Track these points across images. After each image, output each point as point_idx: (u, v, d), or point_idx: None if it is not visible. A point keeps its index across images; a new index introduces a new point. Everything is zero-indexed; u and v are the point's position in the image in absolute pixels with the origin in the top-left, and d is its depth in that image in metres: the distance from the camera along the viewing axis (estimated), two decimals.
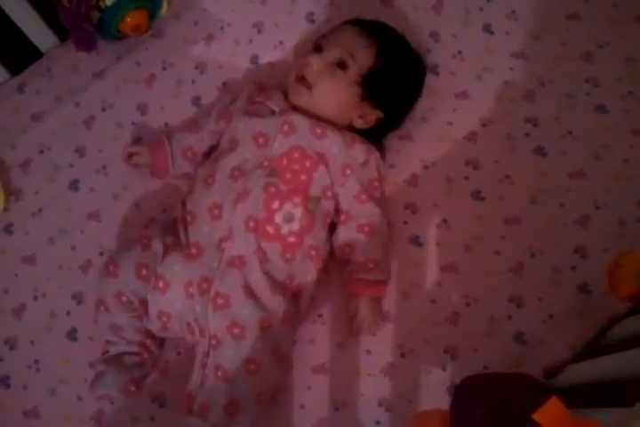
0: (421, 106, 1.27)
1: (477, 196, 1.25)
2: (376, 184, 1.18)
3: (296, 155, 1.13)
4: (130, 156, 1.22)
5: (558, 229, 1.19)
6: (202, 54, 1.40)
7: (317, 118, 1.15)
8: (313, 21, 1.42)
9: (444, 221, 1.24)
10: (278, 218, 1.12)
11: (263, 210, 1.08)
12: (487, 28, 1.41)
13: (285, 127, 1.15)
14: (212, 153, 1.21)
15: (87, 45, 1.26)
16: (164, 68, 1.41)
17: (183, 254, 1.09)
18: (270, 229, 1.09)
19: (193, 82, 1.41)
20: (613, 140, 1.22)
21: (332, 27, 1.22)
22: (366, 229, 1.16)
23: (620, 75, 1.25)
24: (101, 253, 1.22)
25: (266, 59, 1.37)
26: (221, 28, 1.44)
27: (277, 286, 1.08)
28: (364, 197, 1.19)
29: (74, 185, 1.32)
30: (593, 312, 1.13)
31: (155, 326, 1.06)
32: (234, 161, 1.12)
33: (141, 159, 1.22)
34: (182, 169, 1.21)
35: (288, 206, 1.11)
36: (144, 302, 1.06)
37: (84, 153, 1.32)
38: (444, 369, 1.15)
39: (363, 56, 1.20)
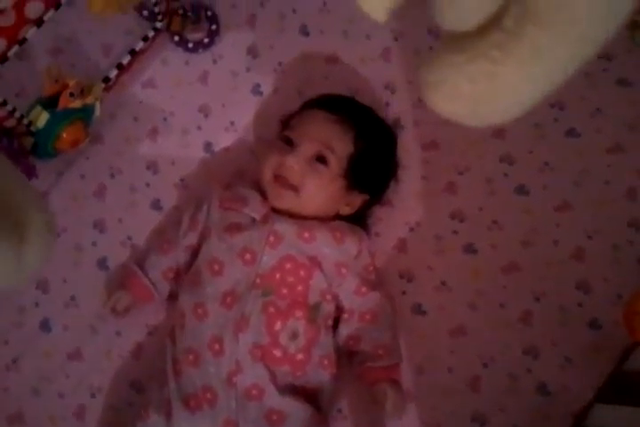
0: None
1: (470, 249, 1.29)
2: (371, 269, 1.25)
3: (288, 266, 1.17)
4: (113, 307, 1.27)
5: (557, 268, 1.26)
6: (150, 152, 1.42)
7: (302, 217, 1.21)
8: (261, 93, 1.45)
9: (443, 283, 1.29)
10: (283, 339, 1.14)
11: (267, 335, 1.12)
12: None
13: (271, 238, 1.18)
14: (188, 268, 1.26)
15: (28, 176, 1.32)
16: (112, 176, 1.42)
17: (191, 407, 1.13)
18: (277, 352, 1.12)
19: (147, 185, 1.42)
20: (590, 163, 1.29)
21: (296, 113, 1.29)
22: (368, 317, 1.21)
23: (582, 93, 1.33)
24: (93, 395, 1.31)
25: (220, 144, 1.43)
26: (164, 119, 1.45)
27: (297, 398, 1.14)
28: (363, 289, 1.22)
29: (44, 325, 1.35)
30: (608, 346, 1.18)
31: None
32: (223, 286, 1.15)
33: (125, 302, 1.27)
34: (166, 291, 1.28)
35: (291, 323, 1.14)
36: None
37: (48, 288, 1.38)
38: None
39: (341, 146, 1.23)
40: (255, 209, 1.19)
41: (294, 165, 1.18)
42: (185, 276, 1.22)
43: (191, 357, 1.11)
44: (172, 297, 1.26)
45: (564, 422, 1.15)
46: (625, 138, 1.26)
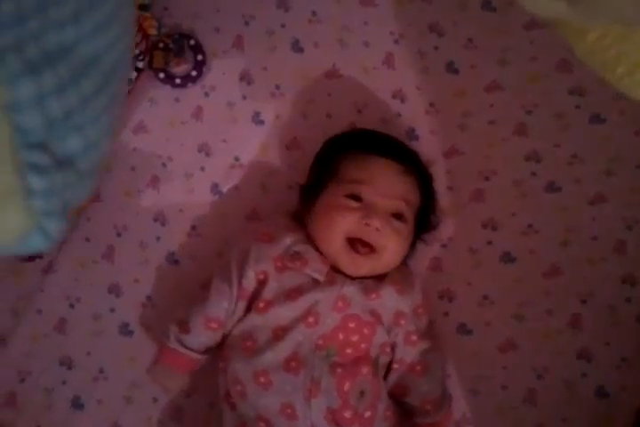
0: None
1: (507, 258, 1.33)
2: (420, 311, 1.27)
3: (352, 325, 1.18)
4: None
5: (600, 265, 1.29)
6: (154, 203, 1.42)
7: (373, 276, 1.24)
8: (262, 122, 1.43)
9: (485, 297, 1.32)
10: (353, 399, 1.15)
11: (338, 397, 1.14)
12: (450, 68, 1.40)
13: (340, 304, 1.17)
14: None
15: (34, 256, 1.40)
16: (118, 235, 1.42)
17: None
18: (348, 414, 1.14)
19: (158, 239, 1.41)
20: (621, 149, 1.31)
21: (361, 163, 1.23)
22: (418, 368, 1.23)
23: (555, 139, 1.34)
24: None
25: (228, 184, 1.43)
26: (163, 164, 1.43)
27: None
28: (414, 338, 1.23)
29: (76, 403, 1.39)
30: None
31: None
32: (285, 351, 1.15)
33: (175, 383, 1.28)
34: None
35: (358, 382, 1.15)
36: None
37: (72, 363, 1.38)
38: None
39: (414, 199, 1.25)
40: (316, 269, 1.20)
41: (380, 226, 1.18)
42: (232, 342, 1.24)
43: (262, 424, 1.15)
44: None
45: (627, 422, 1.21)
46: None
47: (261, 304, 1.21)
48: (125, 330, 1.42)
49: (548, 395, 1.31)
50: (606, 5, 0.76)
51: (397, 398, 1.28)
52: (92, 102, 0.70)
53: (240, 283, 1.23)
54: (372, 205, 1.19)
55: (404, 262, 1.33)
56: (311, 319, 1.17)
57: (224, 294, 1.24)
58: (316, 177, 1.31)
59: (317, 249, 1.23)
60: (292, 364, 1.15)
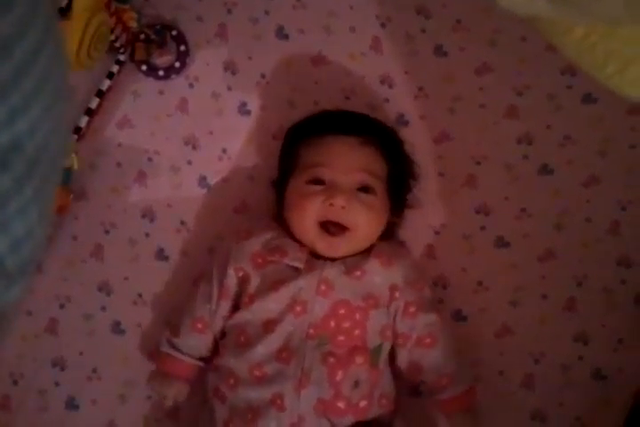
0: None
1: (501, 243, 1.33)
2: (419, 285, 1.24)
3: (342, 311, 1.16)
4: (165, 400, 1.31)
5: (594, 247, 1.30)
6: (142, 199, 1.40)
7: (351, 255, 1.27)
8: (249, 112, 1.41)
9: (479, 283, 1.33)
10: (346, 389, 1.13)
11: (330, 388, 1.13)
12: (439, 51, 1.39)
13: (323, 287, 1.16)
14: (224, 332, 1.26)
15: None
16: (106, 232, 1.41)
17: None
18: (341, 404, 1.13)
19: (147, 235, 1.39)
20: (613, 129, 1.29)
21: (316, 147, 1.22)
22: (427, 341, 1.20)
23: (546, 121, 1.31)
24: None
25: (216, 176, 1.42)
26: (149, 159, 1.42)
27: None
28: (412, 309, 1.20)
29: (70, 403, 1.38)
30: None
31: None
32: (276, 342, 1.14)
33: (184, 392, 1.24)
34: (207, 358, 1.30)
35: (352, 371, 1.13)
36: None
37: (65, 364, 1.36)
38: None
39: (379, 168, 1.22)
40: (295, 257, 1.21)
41: (344, 203, 1.17)
42: (224, 339, 1.26)
43: (250, 415, 1.16)
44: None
45: (624, 404, 1.22)
46: None
47: (246, 299, 1.23)
48: (117, 329, 1.43)
49: (545, 379, 1.34)
50: (589, 2, 0.73)
51: (414, 382, 1.27)
52: (13, 196, 0.59)
53: (221, 282, 1.25)
54: (334, 184, 1.20)
55: (393, 234, 1.35)
56: (298, 308, 1.18)
57: (206, 294, 1.27)
58: (282, 169, 1.34)
59: (296, 240, 1.26)
60: (284, 354, 1.16)
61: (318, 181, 1.22)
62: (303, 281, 1.20)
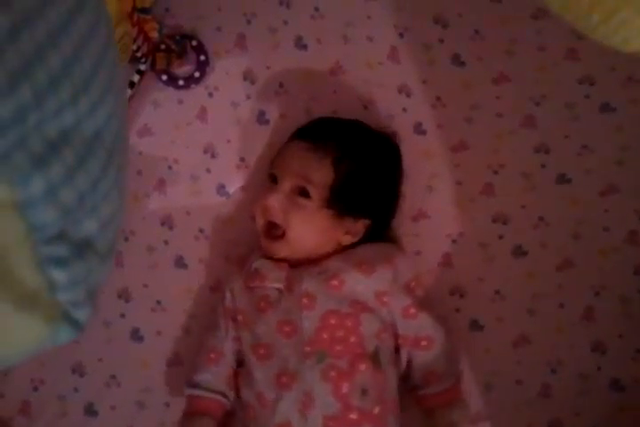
0: (423, 175, 1.37)
1: (519, 251, 1.33)
2: (412, 285, 1.25)
3: (332, 321, 1.15)
4: None
5: (612, 257, 1.29)
6: (161, 206, 1.41)
7: (316, 258, 1.22)
8: (267, 122, 1.42)
9: (497, 292, 1.33)
10: (355, 400, 1.12)
11: (337, 402, 1.11)
12: (456, 60, 1.39)
13: (305, 301, 1.16)
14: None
15: None
16: (126, 239, 1.41)
17: None
18: (354, 415, 1.11)
19: (166, 242, 1.40)
20: (631, 140, 1.29)
21: (281, 149, 1.31)
22: (424, 343, 1.22)
23: (564, 130, 1.31)
24: None
25: (234, 185, 1.43)
26: (169, 167, 1.44)
27: None
28: (412, 311, 1.21)
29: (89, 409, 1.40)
30: None
31: None
32: (273, 368, 1.15)
33: None
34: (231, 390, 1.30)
35: (358, 380, 1.12)
36: None
37: (84, 370, 1.38)
38: None
39: (319, 175, 1.21)
40: (275, 279, 1.22)
41: (275, 203, 1.22)
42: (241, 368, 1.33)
43: None
44: None
45: None
46: None
47: (240, 317, 1.26)
48: (136, 335, 1.44)
49: (562, 389, 1.33)
50: None
51: (406, 379, 1.28)
52: (101, 181, 0.68)
53: (224, 305, 1.27)
54: (279, 185, 1.25)
55: (381, 237, 1.32)
56: (287, 329, 1.19)
57: (214, 326, 1.30)
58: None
59: (272, 258, 1.29)
60: (283, 379, 1.16)
61: (274, 180, 1.28)
62: (286, 302, 1.21)
